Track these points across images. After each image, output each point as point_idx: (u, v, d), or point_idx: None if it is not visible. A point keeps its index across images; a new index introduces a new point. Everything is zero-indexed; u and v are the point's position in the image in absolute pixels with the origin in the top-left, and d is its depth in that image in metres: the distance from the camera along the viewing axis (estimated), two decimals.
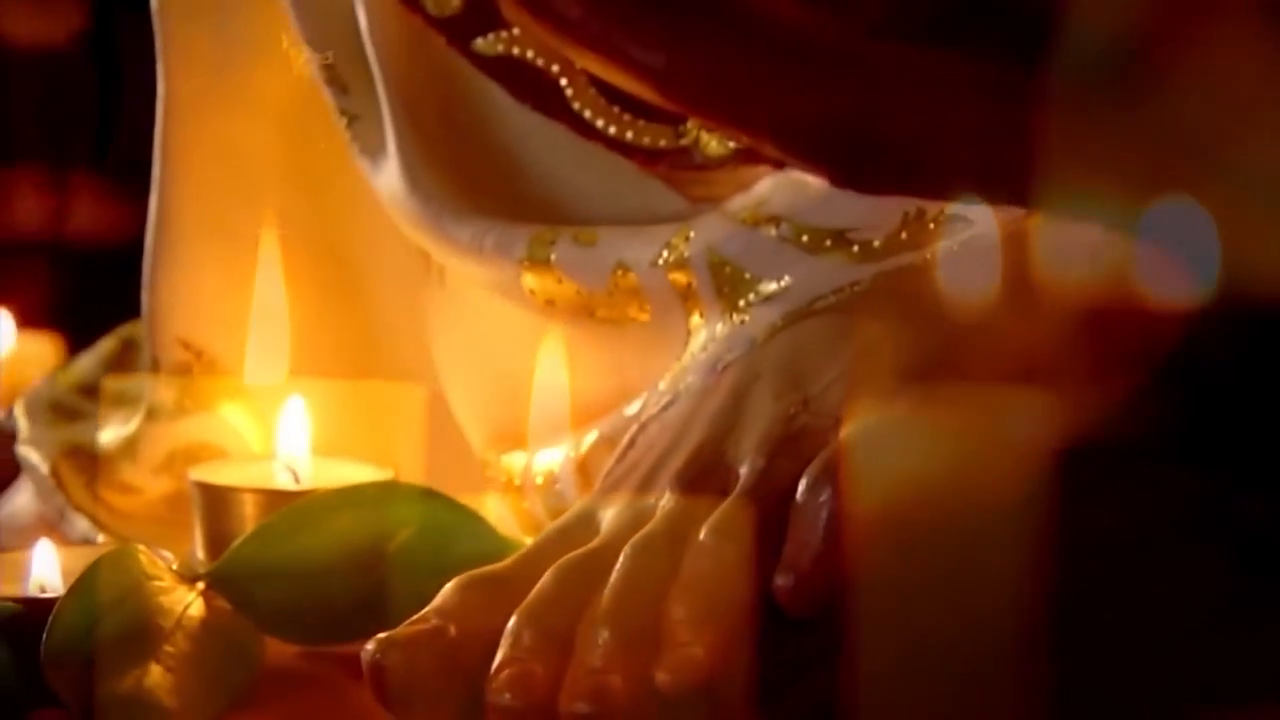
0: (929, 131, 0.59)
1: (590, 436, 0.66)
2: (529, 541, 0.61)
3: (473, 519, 0.65)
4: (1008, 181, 0.59)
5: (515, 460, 0.70)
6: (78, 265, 2.10)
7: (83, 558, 0.60)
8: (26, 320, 1.71)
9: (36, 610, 0.58)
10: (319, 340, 0.77)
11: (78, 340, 1.06)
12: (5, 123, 2.08)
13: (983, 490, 0.56)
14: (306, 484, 0.69)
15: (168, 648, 0.58)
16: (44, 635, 0.56)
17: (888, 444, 0.54)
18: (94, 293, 1.89)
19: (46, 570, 0.61)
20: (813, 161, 0.61)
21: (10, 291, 1.85)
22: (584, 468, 0.67)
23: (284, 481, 0.69)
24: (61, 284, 2.09)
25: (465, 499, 0.65)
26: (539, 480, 0.68)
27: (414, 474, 0.67)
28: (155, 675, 0.57)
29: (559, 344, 0.68)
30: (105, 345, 0.87)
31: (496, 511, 0.71)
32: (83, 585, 0.58)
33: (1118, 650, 0.61)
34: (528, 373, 0.70)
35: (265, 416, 0.76)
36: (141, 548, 0.61)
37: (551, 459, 0.68)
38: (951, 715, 0.56)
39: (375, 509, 0.63)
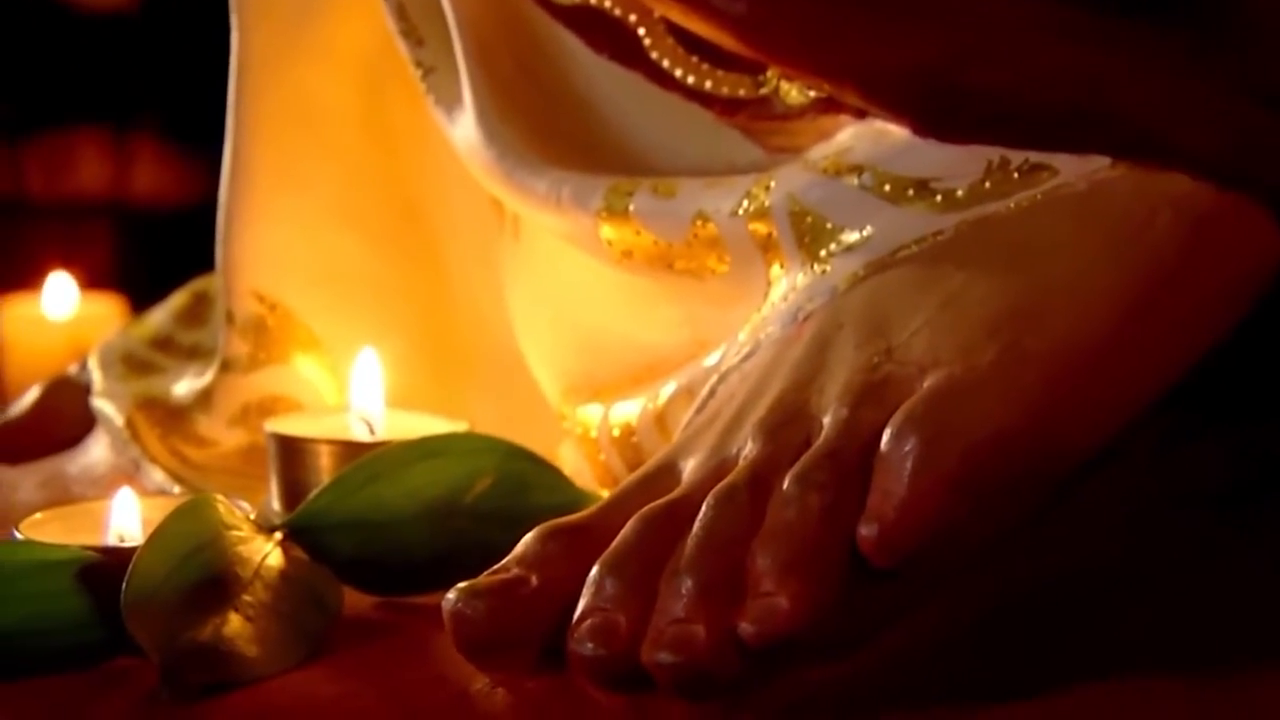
0: (1015, 79, 0.58)
1: (668, 388, 0.66)
2: (605, 494, 0.61)
3: (549, 471, 0.65)
4: (1093, 129, 0.59)
5: (592, 412, 0.70)
6: (140, 227, 2.11)
7: (161, 507, 0.60)
8: (90, 281, 1.72)
9: (116, 559, 0.58)
10: (393, 293, 0.77)
11: (140, 301, 1.06)
12: (68, 85, 2.08)
13: (1066, 443, 0.55)
14: (381, 436, 0.69)
15: (246, 597, 0.58)
16: (124, 584, 0.56)
17: (972, 394, 0.54)
18: (156, 254, 1.90)
19: (126, 519, 0.61)
20: (896, 110, 0.60)
21: (74, 253, 1.86)
22: (662, 420, 0.66)
23: (359, 433, 0.69)
24: (124, 245, 2.10)
25: (540, 452, 0.65)
26: (616, 432, 0.68)
27: (488, 427, 0.67)
28: (234, 624, 0.57)
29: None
30: (177, 299, 0.87)
31: (572, 464, 0.71)
32: (162, 534, 0.58)
33: (1195, 603, 0.60)
34: (603, 325, 0.70)
35: (339, 369, 0.76)
36: (219, 497, 0.61)
37: (628, 411, 0.68)
38: (1032, 665, 0.55)
39: (452, 460, 0.63)
